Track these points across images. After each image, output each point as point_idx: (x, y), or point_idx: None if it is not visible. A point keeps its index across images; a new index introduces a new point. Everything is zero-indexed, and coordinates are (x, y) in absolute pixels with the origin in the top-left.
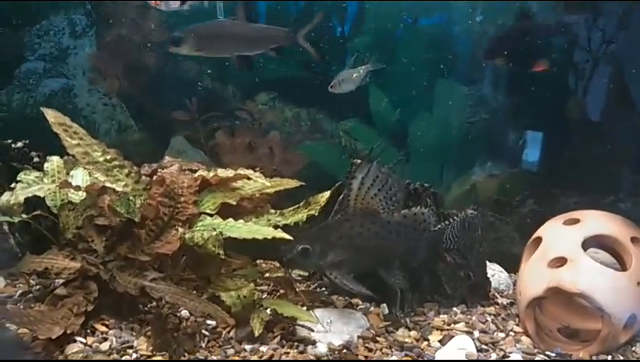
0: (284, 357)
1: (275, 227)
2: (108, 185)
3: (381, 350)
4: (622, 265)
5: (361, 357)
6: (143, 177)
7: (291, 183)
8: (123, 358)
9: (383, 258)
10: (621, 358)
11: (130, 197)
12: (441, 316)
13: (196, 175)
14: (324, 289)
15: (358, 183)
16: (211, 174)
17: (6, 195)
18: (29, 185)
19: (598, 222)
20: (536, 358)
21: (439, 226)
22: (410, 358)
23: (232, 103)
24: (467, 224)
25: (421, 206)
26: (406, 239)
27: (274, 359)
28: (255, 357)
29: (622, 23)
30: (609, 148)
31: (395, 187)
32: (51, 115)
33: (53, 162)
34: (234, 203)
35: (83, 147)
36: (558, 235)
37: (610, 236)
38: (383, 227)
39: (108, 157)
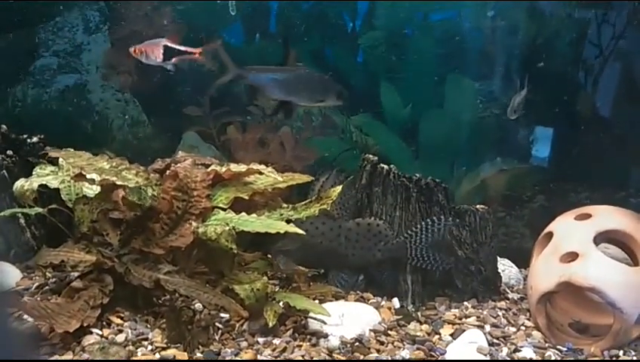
0: (296, 350)
1: (288, 221)
2: (119, 183)
3: (393, 343)
4: (633, 260)
5: (373, 351)
6: (152, 174)
7: (303, 178)
8: (138, 350)
9: (330, 258)
10: (633, 353)
11: (142, 188)
12: (453, 310)
13: (209, 169)
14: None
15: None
16: (224, 169)
17: (20, 181)
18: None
19: (609, 217)
20: (548, 352)
21: (398, 240)
22: (421, 351)
23: (243, 99)
24: (437, 233)
25: (376, 218)
26: (357, 246)
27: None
28: (268, 350)
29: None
30: (620, 144)
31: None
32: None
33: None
34: (246, 197)
35: (85, 160)
36: (570, 230)
37: (622, 231)
38: (332, 230)
39: (113, 163)
